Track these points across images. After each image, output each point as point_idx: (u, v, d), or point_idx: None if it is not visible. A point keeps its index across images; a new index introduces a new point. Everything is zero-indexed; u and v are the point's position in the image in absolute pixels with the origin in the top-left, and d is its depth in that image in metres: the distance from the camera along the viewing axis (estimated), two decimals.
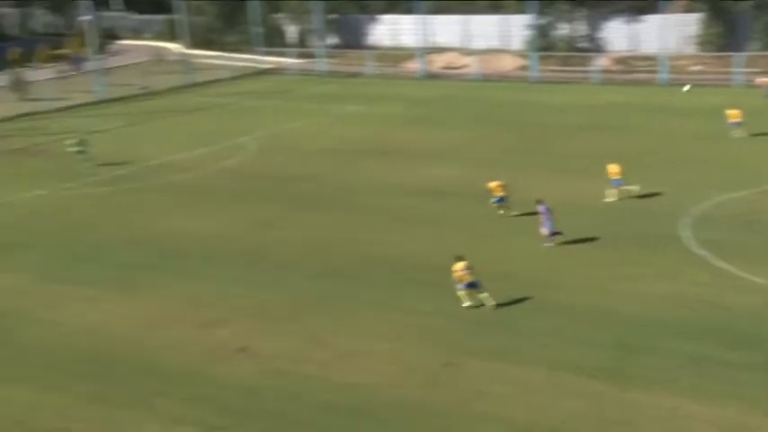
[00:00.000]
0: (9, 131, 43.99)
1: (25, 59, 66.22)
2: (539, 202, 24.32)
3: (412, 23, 65.37)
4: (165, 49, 72.66)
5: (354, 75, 63.11)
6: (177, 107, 51.57)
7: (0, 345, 19.26)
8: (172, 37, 77.91)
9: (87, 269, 24.09)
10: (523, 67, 59.86)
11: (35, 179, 34.03)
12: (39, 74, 59.52)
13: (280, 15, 75.37)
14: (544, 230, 23.96)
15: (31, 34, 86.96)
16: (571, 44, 62.70)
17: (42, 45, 70.35)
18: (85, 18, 59.10)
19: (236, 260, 24.63)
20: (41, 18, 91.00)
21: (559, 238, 24.14)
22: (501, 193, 27.14)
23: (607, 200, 27.95)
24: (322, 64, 65.96)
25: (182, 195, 31.75)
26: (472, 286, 20.21)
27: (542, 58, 58.80)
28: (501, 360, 17.89)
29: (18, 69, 58.00)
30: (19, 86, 52.65)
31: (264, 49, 69.51)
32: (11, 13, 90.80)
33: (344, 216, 28.34)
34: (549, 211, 23.89)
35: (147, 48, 74.63)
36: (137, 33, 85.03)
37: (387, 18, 73.50)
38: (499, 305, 20.20)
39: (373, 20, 74.57)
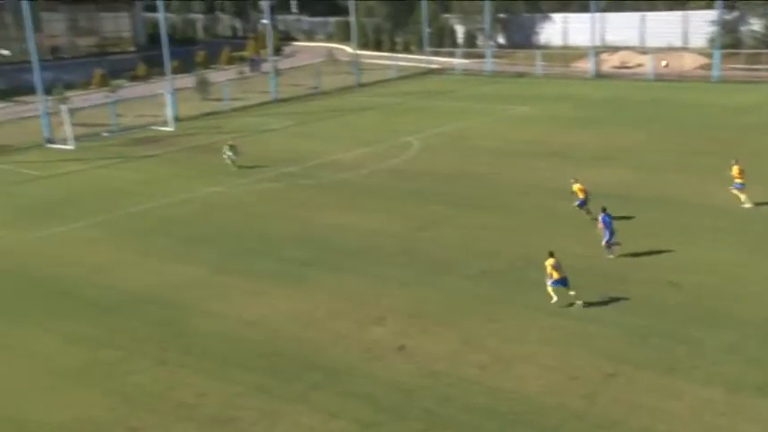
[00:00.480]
0: (192, 129, 46.86)
1: (210, 62, 70.39)
2: (603, 210, 23.19)
3: (585, 21, 63.41)
4: (336, 50, 74.81)
5: (522, 74, 62.10)
6: (345, 106, 52.90)
7: (173, 333, 20.42)
8: (343, 38, 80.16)
9: (257, 263, 25.11)
10: (705, 66, 56.45)
11: (213, 175, 35.98)
12: (220, 75, 63.05)
13: (449, 16, 75.55)
14: (603, 242, 23.01)
15: (216, 38, 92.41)
16: (762, 40, 58.41)
17: (225, 48, 74.48)
18: (264, 22, 62.03)
19: (395, 258, 24.82)
20: (226, 22, 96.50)
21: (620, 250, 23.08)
22: (582, 196, 26.39)
23: (745, 205, 26.14)
24: (489, 64, 65.43)
25: (346, 193, 32.46)
26: (561, 283, 20.14)
27: (727, 56, 55.16)
28: (670, 375, 16.86)
29: (203, 71, 61.75)
30: (203, 87, 56.01)
31: (432, 50, 69.93)
32: (199, 18, 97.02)
33: (505, 217, 27.88)
34: (609, 221, 22.80)
35: (319, 49, 77.19)
36: (310, 35, 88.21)
37: (558, 17, 71.82)
38: (664, 314, 19.07)
39: (544, 18, 73.09)
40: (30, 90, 51.47)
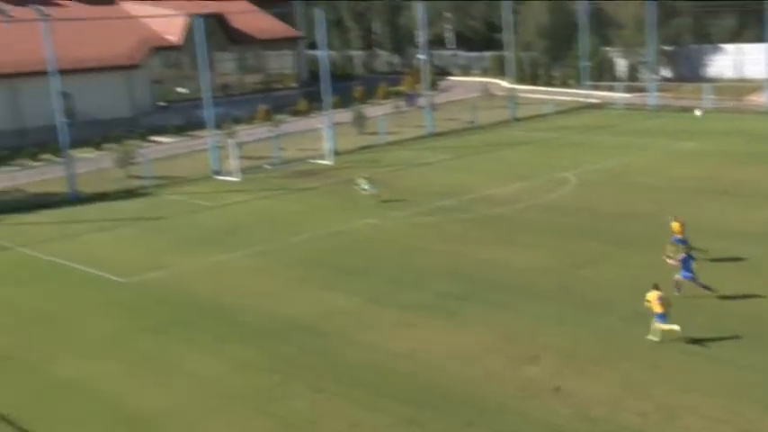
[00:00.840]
0: (349, 162, 48.14)
1: (367, 96, 72.34)
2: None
3: (761, 52, 59.92)
4: (491, 84, 74.86)
5: (688, 109, 59.47)
6: (501, 141, 52.64)
7: (328, 362, 20.85)
8: (498, 73, 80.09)
9: (410, 295, 25.27)
10: None
11: (369, 208, 36.70)
12: (377, 109, 64.60)
13: (609, 49, 73.83)
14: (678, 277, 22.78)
15: (373, 73, 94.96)
16: None
17: (382, 83, 76.34)
18: (421, 57, 63.12)
19: (550, 296, 24.24)
20: (383, 58, 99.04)
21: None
22: (680, 235, 25.44)
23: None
24: (653, 98, 63.17)
25: (500, 228, 32.15)
26: (661, 318, 20.14)
27: None
28: None
29: (360, 106, 63.52)
30: (360, 121, 57.57)
31: (591, 83, 68.48)
32: (358, 54, 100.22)
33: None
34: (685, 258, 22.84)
35: (474, 84, 77.49)
36: (465, 70, 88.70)
37: (731, 47, 68.44)
38: None
39: (715, 50, 69.89)
40: (201, 125, 54.81)
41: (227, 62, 70.26)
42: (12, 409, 18.91)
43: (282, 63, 73.81)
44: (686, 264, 22.72)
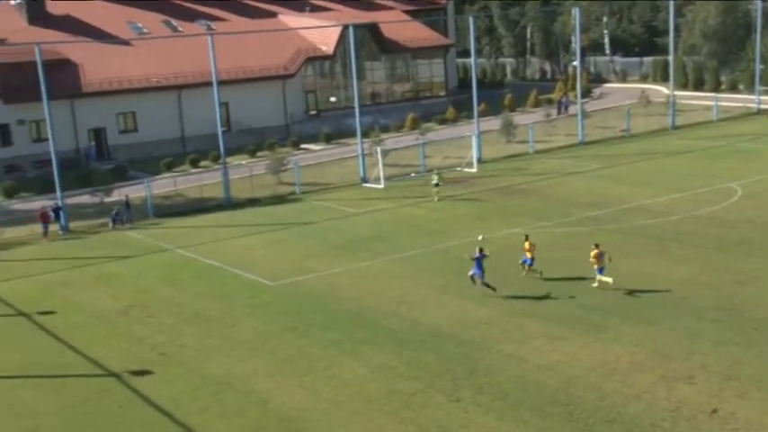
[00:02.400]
0: (495, 171, 47.92)
1: (516, 104, 71.71)
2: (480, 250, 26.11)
3: None
4: (649, 90, 72.19)
5: None
6: (657, 149, 50.69)
7: (467, 370, 20.84)
8: (658, 78, 77.17)
9: (554, 307, 24.87)
10: None
11: (513, 217, 36.41)
12: (526, 117, 63.89)
13: None
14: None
15: (524, 81, 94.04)
16: None
17: (532, 90, 75.44)
18: (574, 64, 61.87)
19: (707, 313, 23.15)
20: (535, 65, 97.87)
21: None
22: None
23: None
24: None
25: (652, 239, 30.98)
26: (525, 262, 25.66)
27: None
28: None
29: (509, 113, 63.05)
30: (508, 129, 57.16)
31: (765, 89, 64.56)
32: (509, 62, 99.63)
33: None
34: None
35: (631, 90, 75.03)
36: (622, 76, 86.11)
37: None
38: None
39: None
40: (350, 133, 56.17)
41: (378, 71, 71.69)
42: (168, 402, 20.21)
43: (432, 71, 74.43)
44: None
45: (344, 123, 63.96)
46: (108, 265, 33.78)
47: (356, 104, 50.01)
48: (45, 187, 45.71)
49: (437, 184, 41.69)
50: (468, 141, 50.43)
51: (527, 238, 28.31)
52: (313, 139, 62.84)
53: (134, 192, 44.59)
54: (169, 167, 54.43)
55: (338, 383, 20.69)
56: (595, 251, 26.14)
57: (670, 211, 35.02)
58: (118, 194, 44.27)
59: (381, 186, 45.67)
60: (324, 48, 67.51)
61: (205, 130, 57.92)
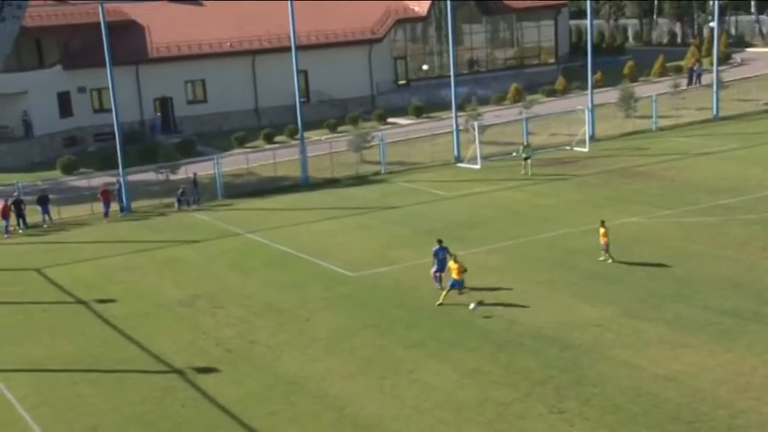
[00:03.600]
0: (610, 151, 47.07)
1: (638, 73, 70.12)
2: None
3: None
4: None
5: None
6: None
7: (573, 379, 20.64)
8: None
9: (676, 310, 24.34)
10: None
11: (629, 204, 35.74)
12: (650, 88, 62.42)
13: None
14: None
15: (649, 45, 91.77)
16: None
17: (659, 57, 73.56)
18: (712, 25, 59.98)
19: None
20: (663, 27, 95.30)
21: None
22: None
23: None
24: None
25: None
26: (455, 286, 24.83)
27: None
28: None
29: (629, 84, 61.75)
30: (627, 102, 56.04)
31: None
32: (632, 23, 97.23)
33: None
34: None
35: None
36: None
37: None
38: None
39: None
40: (444, 106, 56.10)
41: (477, 35, 71.25)
42: (235, 403, 20.75)
43: (540, 35, 73.48)
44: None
45: (437, 95, 63.90)
46: (173, 250, 34.85)
47: (452, 73, 49.84)
48: (106, 162, 47.43)
49: (527, 158, 41.95)
50: (580, 116, 49.70)
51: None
52: (401, 112, 63.07)
53: (202, 169, 45.77)
54: (241, 143, 55.64)
55: (423, 389, 20.81)
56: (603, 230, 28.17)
57: None
58: (185, 172, 45.48)
59: (478, 167, 45.51)
60: (416, 8, 67.54)
61: (281, 101, 58.94)
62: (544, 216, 35.26)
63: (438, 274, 27.02)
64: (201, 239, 36.07)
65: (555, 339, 23.00)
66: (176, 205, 41.96)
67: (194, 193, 42.77)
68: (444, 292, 25.98)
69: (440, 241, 27.18)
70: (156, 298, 29.05)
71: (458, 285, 25.62)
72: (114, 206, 41.51)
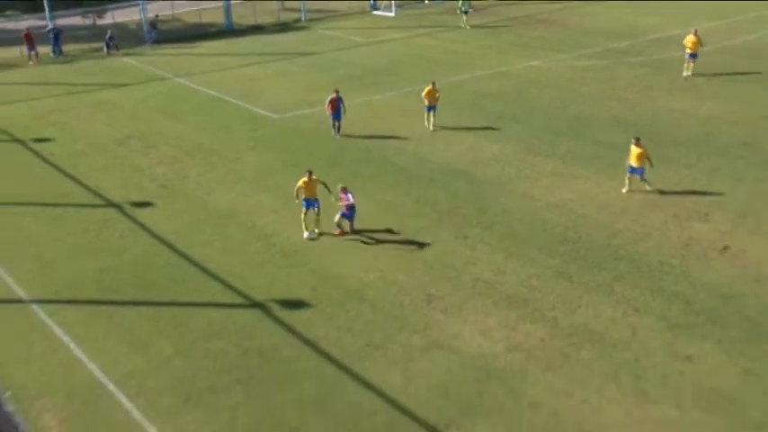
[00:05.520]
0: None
1: None
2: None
3: None
4: None
5: None
6: None
7: (476, 209, 21.20)
8: None
9: (569, 145, 24.94)
10: None
11: (531, 49, 35.82)
12: None
13: None
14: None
15: None
16: None
17: None
18: None
19: (731, 150, 23.49)
20: None
21: None
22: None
23: None
24: None
25: (680, 73, 30.54)
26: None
27: None
28: None
29: None
30: None
31: None
32: None
33: None
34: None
35: None
36: None
37: None
38: None
39: None
40: None
41: None
42: (170, 233, 20.74)
43: None
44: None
45: None
46: (104, 93, 33.74)
47: None
48: (31, 6, 44.84)
49: (466, 11, 40.92)
50: None
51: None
52: None
53: (128, 15, 43.76)
54: None
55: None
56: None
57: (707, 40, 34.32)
58: (111, 17, 43.45)
59: (392, 14, 44.60)
60: None
61: None
62: (453, 61, 35.11)
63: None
64: (131, 83, 34.94)
65: (462, 173, 23.41)
66: (105, 50, 40.30)
67: (152, 33, 41.58)
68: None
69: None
70: (91, 138, 28.30)
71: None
72: (43, 49, 39.59)
